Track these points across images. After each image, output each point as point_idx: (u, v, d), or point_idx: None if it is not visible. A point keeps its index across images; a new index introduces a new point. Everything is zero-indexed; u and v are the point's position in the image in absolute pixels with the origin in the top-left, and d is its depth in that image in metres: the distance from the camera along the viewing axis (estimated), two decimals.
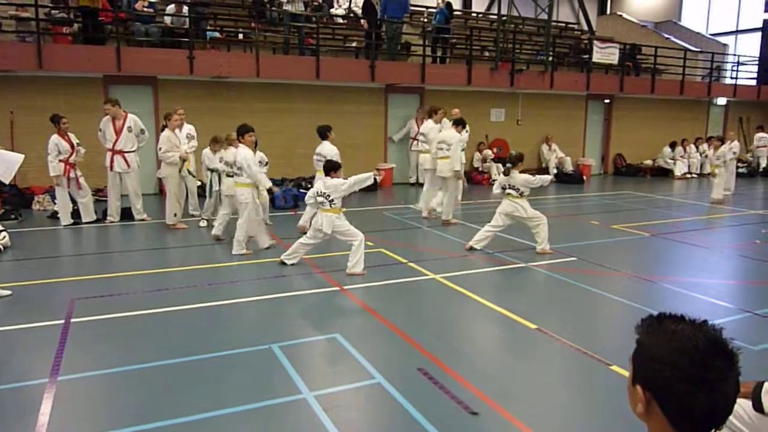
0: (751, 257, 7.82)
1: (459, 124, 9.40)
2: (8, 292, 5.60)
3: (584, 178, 15.92)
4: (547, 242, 7.52)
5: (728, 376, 1.19)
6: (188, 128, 9.50)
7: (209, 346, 4.57)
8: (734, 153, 13.05)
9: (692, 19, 22.97)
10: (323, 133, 8.76)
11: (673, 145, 17.56)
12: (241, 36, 13.28)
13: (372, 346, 4.58)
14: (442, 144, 9.24)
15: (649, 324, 1.30)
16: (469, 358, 4.49)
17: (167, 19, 12.02)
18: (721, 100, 19.87)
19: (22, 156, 5.82)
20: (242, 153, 7.27)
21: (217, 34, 12.84)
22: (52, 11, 11.18)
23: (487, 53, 15.85)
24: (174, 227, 8.81)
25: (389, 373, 4.05)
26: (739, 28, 22.09)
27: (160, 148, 8.93)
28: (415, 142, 13.53)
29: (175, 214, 8.86)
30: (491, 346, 4.89)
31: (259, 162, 8.19)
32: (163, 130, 9.11)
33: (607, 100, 17.84)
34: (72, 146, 8.75)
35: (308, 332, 5.00)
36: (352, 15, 15.17)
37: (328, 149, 8.46)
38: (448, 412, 3.56)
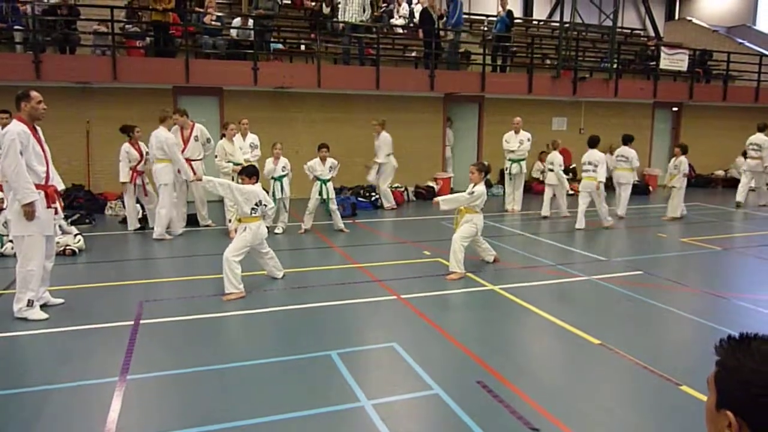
0: None
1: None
2: (61, 300, 5.71)
3: (650, 188, 15.35)
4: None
5: None
6: (252, 138, 9.75)
7: (270, 351, 4.66)
8: None
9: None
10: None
11: (746, 155, 16.65)
12: (303, 47, 13.56)
13: (430, 356, 4.54)
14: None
15: (736, 345, 1.23)
16: (530, 372, 4.38)
17: (233, 32, 12.42)
18: None
19: None
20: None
21: (280, 46, 13.18)
22: (126, 26, 11.77)
23: (548, 61, 15.58)
24: (229, 234, 9.02)
25: (447, 385, 4.00)
26: None
27: (216, 156, 9.23)
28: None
29: (230, 221, 9.07)
30: (552, 360, 4.75)
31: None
32: (222, 138, 9.42)
33: (675, 108, 17.17)
34: (141, 155, 9.14)
35: (366, 340, 5.01)
36: (411, 25, 15.24)
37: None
38: (508, 428, 3.48)
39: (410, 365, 4.36)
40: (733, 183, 16.43)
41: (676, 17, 23.50)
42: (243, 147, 9.48)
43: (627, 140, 11.16)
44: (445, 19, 14.63)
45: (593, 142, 10.33)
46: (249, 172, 6.32)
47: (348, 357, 4.50)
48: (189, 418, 3.56)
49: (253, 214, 6.14)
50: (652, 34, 22.20)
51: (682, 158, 10.95)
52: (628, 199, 11.02)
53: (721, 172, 17.06)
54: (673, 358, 4.75)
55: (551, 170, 11.09)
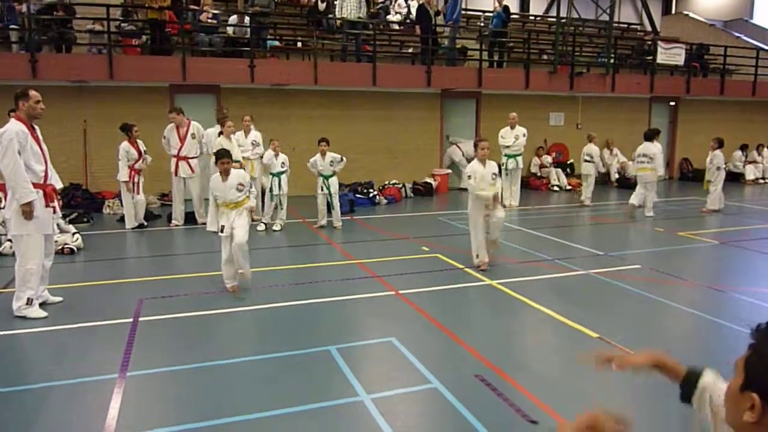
0: None
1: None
2: (60, 299, 5.70)
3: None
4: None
5: None
6: (254, 135, 9.67)
7: (270, 347, 4.68)
8: None
9: (765, 16, 21.81)
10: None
11: (743, 148, 16.71)
12: (299, 44, 13.54)
13: (428, 351, 4.56)
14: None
15: None
16: (528, 365, 4.40)
17: (229, 30, 12.40)
18: None
19: None
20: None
21: (276, 43, 13.15)
22: (122, 24, 11.74)
23: (545, 56, 15.56)
24: None
25: (446, 379, 4.02)
26: None
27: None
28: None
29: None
30: (550, 354, 4.77)
31: (282, 163, 9.10)
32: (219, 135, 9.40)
33: (672, 103, 17.19)
34: (140, 153, 9.14)
35: (365, 336, 5.02)
36: (408, 21, 15.22)
37: None
38: (507, 420, 3.50)
39: (409, 360, 4.37)
40: (731, 177, 16.46)
41: (673, 11, 23.50)
42: (244, 144, 9.45)
43: (649, 136, 10.85)
44: (441, 15, 14.62)
45: (648, 136, 10.79)
46: (219, 155, 6.08)
47: (347, 352, 4.52)
48: (189, 414, 3.58)
49: (241, 198, 6.05)
50: (648, 28, 22.18)
51: (717, 152, 11.18)
52: (653, 199, 10.89)
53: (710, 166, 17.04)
54: (672, 351, 4.74)
55: (587, 161, 11.89)
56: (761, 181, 16.51)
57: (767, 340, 1.23)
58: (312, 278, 6.65)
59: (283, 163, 9.16)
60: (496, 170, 6.94)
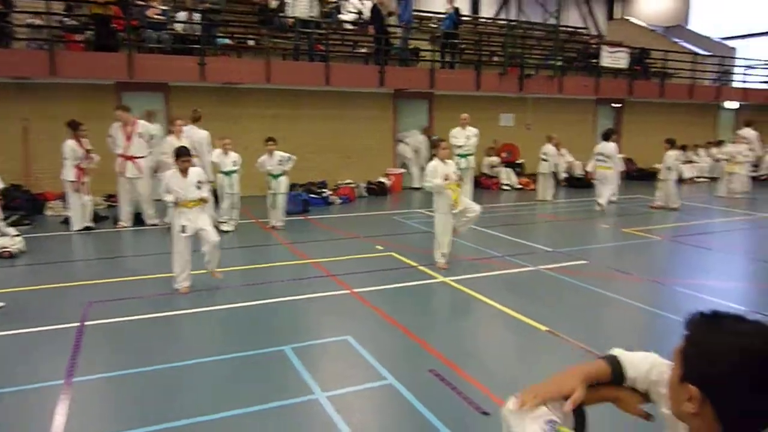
0: (762, 260, 7.78)
1: None
2: (2, 304, 5.48)
3: (593, 182, 15.84)
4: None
5: None
6: (234, 157, 9.39)
7: (223, 348, 4.63)
8: (745, 156, 13.12)
9: (701, 23, 22.88)
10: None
11: (683, 149, 17.43)
12: (251, 43, 13.38)
13: (383, 348, 4.60)
14: None
15: (705, 322, 1.25)
16: (480, 359, 4.50)
17: (178, 26, 12.14)
18: (731, 104, 19.75)
19: None
20: None
21: (227, 41, 12.96)
22: (65, 19, 11.33)
23: (496, 58, 15.87)
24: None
25: (400, 375, 4.07)
26: (748, 32, 21.96)
27: (164, 153, 9.01)
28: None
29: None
30: (502, 347, 4.89)
31: (233, 162, 8.99)
32: (169, 135, 9.21)
33: (616, 105, 17.80)
34: (86, 152, 8.84)
35: (320, 335, 5.02)
36: (361, 21, 15.25)
37: None
38: (460, 413, 3.58)
39: (364, 357, 4.40)
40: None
41: (617, 17, 24.34)
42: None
43: (606, 136, 11.51)
44: (395, 15, 14.70)
45: (605, 136, 11.51)
46: (179, 153, 6.05)
47: (302, 351, 4.51)
48: (140, 419, 3.50)
49: (200, 195, 5.98)
50: (594, 32, 22.93)
51: (668, 152, 11.73)
52: (609, 193, 11.44)
53: (659, 166, 17.76)
54: (615, 341, 4.91)
55: (545, 160, 12.42)
56: (698, 179, 17.27)
57: (701, 330, 1.24)
58: (266, 278, 6.59)
59: (234, 162, 9.03)
60: (455, 169, 7.08)
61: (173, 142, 9.02)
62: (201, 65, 11.40)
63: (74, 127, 8.80)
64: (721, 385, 1.16)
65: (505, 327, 5.24)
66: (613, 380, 1.51)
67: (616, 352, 1.55)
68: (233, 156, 9.00)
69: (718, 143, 17.17)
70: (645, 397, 1.52)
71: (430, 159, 7.23)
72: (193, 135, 9.22)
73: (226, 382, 4.03)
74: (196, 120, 9.54)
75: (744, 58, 20.43)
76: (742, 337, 1.17)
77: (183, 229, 5.82)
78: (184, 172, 5.92)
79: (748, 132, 14.69)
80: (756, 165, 14.58)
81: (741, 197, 13.13)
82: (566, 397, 1.42)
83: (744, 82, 19.77)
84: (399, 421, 3.59)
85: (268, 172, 9.17)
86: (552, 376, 1.44)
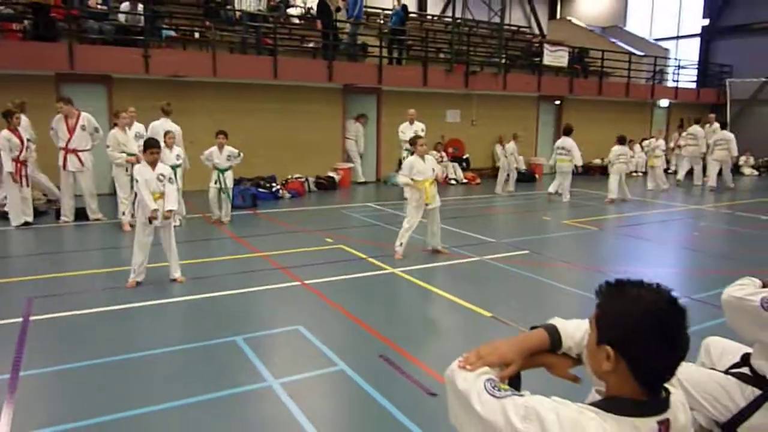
0: (691, 248, 8.32)
1: None
2: None
3: (536, 176, 16.44)
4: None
5: (685, 330, 1.37)
6: (138, 127, 9.25)
7: (172, 340, 4.65)
8: (662, 151, 14.29)
9: (637, 24, 23.92)
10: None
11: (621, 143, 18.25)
12: (197, 35, 13.18)
13: (333, 336, 4.73)
14: None
15: (611, 289, 1.45)
16: (428, 344, 4.70)
17: (121, 17, 11.84)
18: (664, 102, 20.78)
19: None
20: None
21: (172, 33, 12.72)
22: (0, 7, 10.88)
23: (442, 55, 16.18)
24: (122, 227, 8.71)
25: (351, 361, 4.21)
26: (680, 34, 23.12)
27: (108, 146, 8.84)
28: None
29: (123, 213, 8.76)
30: (448, 333, 5.10)
31: (177, 156, 8.77)
32: (113, 128, 9.01)
33: (557, 102, 18.44)
34: (22, 142, 8.56)
35: (271, 325, 5.10)
36: (309, 15, 15.25)
37: None
38: (409, 395, 3.75)
39: (315, 345, 4.52)
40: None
41: (558, 16, 25.14)
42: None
43: (567, 131, 12.35)
44: (342, 11, 14.78)
45: (566, 131, 12.37)
46: (149, 144, 6.10)
47: (253, 341, 4.58)
48: (89, 411, 3.50)
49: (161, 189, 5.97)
50: (536, 31, 23.62)
51: (613, 147, 12.59)
52: (569, 186, 12.50)
53: (598, 161, 18.55)
54: None
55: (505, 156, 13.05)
56: (634, 174, 18.11)
57: (609, 297, 1.45)
58: (215, 272, 6.60)
59: (178, 155, 8.93)
60: (436, 165, 7.31)
61: (117, 135, 8.86)
62: (145, 57, 11.19)
63: (8, 117, 8.49)
64: (630, 343, 1.37)
65: (451, 314, 5.46)
66: (550, 348, 1.71)
67: (556, 321, 1.75)
68: (177, 150, 8.88)
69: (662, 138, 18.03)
70: (578, 361, 1.72)
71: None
72: (167, 128, 9.14)
73: (177, 373, 4.07)
74: (168, 113, 9.44)
75: (676, 59, 21.53)
76: (644, 299, 1.38)
77: (155, 217, 5.80)
78: (152, 164, 5.93)
79: (696, 129, 15.46)
80: (703, 160, 15.51)
81: (666, 189, 13.97)
82: (506, 365, 1.60)
83: (675, 81, 20.84)
84: (351, 404, 3.73)
85: (215, 166, 9.11)
86: (498, 343, 1.62)
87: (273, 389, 3.79)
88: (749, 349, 2.58)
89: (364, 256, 7.30)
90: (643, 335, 1.35)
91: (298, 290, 5.96)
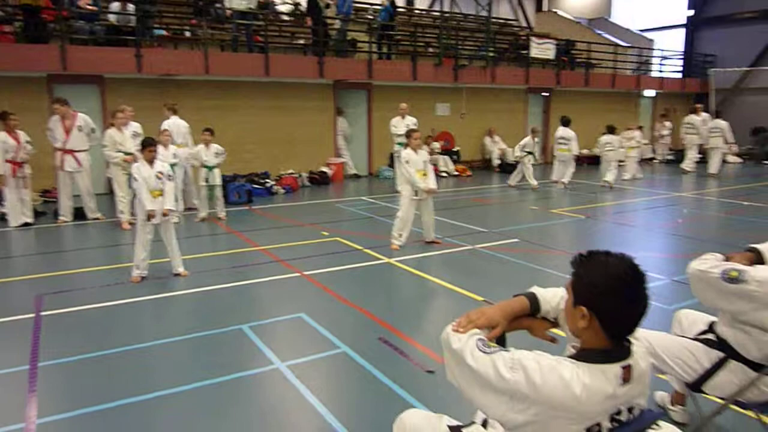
0: (674, 234, 8.63)
1: None
2: None
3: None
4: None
5: (645, 293, 1.65)
6: (134, 126, 9.41)
7: (181, 330, 4.87)
8: (638, 141, 14.81)
9: (622, 15, 24.24)
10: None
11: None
12: (188, 34, 13.31)
13: (335, 322, 4.96)
14: None
15: (584, 259, 1.74)
16: (424, 327, 4.96)
17: (112, 17, 11.96)
18: (650, 92, 21.13)
19: None
20: None
21: (163, 32, 12.85)
22: None
23: (431, 49, 16.39)
24: (121, 225, 8.89)
25: (353, 343, 4.45)
26: (665, 25, 23.45)
27: (105, 146, 9.00)
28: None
29: (122, 212, 8.94)
30: (443, 316, 5.35)
31: (174, 155, 8.95)
32: (109, 127, 9.17)
33: (545, 94, 18.72)
34: (19, 143, 8.68)
35: (275, 313, 5.33)
36: (298, 12, 15.40)
37: None
38: (408, 372, 4.00)
39: (318, 330, 4.76)
40: (596, 160, 18.30)
41: (544, 9, 25.41)
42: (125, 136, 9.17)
43: (566, 122, 13.05)
44: (332, 7, 14.93)
45: (565, 122, 12.99)
46: (146, 143, 6.24)
47: (259, 329, 4.82)
48: (107, 396, 3.71)
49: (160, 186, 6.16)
50: (523, 24, 23.88)
51: (601, 137, 13.49)
52: (571, 173, 13.21)
53: (586, 151, 18.86)
54: None
55: (529, 152, 13.16)
56: (621, 163, 18.43)
57: (581, 265, 1.75)
58: (217, 266, 6.81)
59: (174, 154, 9.11)
60: (427, 158, 7.56)
61: (113, 134, 9.02)
62: (137, 57, 11.32)
63: (2, 118, 8.63)
64: (601, 302, 1.65)
65: (445, 299, 5.72)
66: (530, 313, 2.00)
67: (535, 289, 2.05)
68: (172, 149, 9.07)
69: (639, 128, 18.36)
70: (554, 324, 2.00)
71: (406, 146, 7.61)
72: (180, 125, 9.87)
73: (187, 360, 4.30)
74: (175, 111, 9.87)
75: (660, 50, 21.87)
76: (611, 266, 1.66)
77: (148, 218, 6.00)
78: (150, 162, 6.12)
79: (693, 118, 15.97)
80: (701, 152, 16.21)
81: (640, 178, 14.37)
82: (493, 327, 1.88)
83: (660, 72, 21.19)
84: (355, 383, 3.97)
85: (204, 164, 9.28)
86: (485, 308, 1.89)
87: (281, 371, 4.03)
88: (715, 318, 2.86)
89: (360, 247, 7.53)
90: (610, 295, 1.62)
91: (298, 281, 6.19)
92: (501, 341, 1.89)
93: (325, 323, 4.89)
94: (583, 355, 1.66)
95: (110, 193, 11.43)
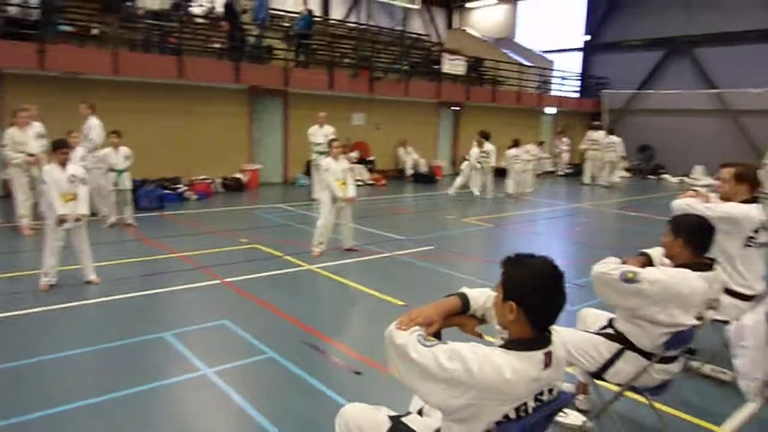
0: (575, 241, 9.35)
1: None
2: None
3: (436, 177, 17.34)
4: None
5: (564, 289, 1.93)
6: (37, 127, 8.89)
7: (98, 339, 4.72)
8: (533, 155, 15.88)
9: (525, 36, 25.68)
10: None
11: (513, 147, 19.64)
12: (95, 31, 12.73)
13: (259, 328, 5.01)
14: None
15: (512, 260, 2.01)
16: (348, 330, 5.13)
17: (12, 9, 11.23)
18: (551, 110, 22.54)
19: None
20: None
21: (69, 28, 12.22)
22: None
23: (347, 60, 16.64)
24: (21, 231, 8.39)
25: (279, 348, 4.54)
26: (564, 47, 25.09)
27: (5, 146, 8.47)
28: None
29: (22, 216, 8.44)
30: (365, 320, 5.55)
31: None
32: (10, 127, 8.63)
33: (456, 108, 19.50)
34: None
35: (198, 321, 5.28)
36: (212, 15, 15.13)
37: None
38: (336, 374, 4.15)
39: (243, 337, 4.79)
40: (503, 173, 19.28)
41: (455, 26, 26.45)
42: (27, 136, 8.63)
43: (486, 137, 13.90)
44: (248, 12, 14.82)
45: (487, 136, 13.84)
46: (57, 144, 5.96)
47: (182, 336, 4.78)
48: (11, 410, 3.56)
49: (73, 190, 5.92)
50: (435, 40, 24.72)
51: (508, 151, 14.32)
52: (492, 183, 13.97)
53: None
54: None
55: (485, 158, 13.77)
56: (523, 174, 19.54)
57: (510, 267, 2.01)
58: (133, 273, 6.61)
59: (126, 156, 8.82)
60: (347, 167, 7.76)
61: (14, 134, 8.49)
62: (39, 52, 10.71)
63: None
64: (527, 297, 1.90)
65: (367, 304, 5.91)
66: (461, 311, 2.24)
67: (465, 290, 2.28)
68: (123, 150, 8.81)
69: (540, 143, 19.57)
70: (482, 320, 2.25)
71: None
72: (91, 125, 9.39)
73: (107, 369, 4.20)
74: (94, 110, 9.54)
75: (560, 70, 23.41)
76: (534, 266, 1.93)
77: (60, 222, 5.73)
78: (62, 164, 5.86)
79: (598, 134, 17.86)
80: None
81: (531, 191, 15.37)
82: (430, 324, 2.10)
83: (560, 91, 22.69)
84: (284, 386, 4.05)
85: (111, 168, 8.97)
86: (424, 308, 2.11)
87: (209, 377, 4.04)
88: (614, 315, 3.26)
89: (279, 254, 7.58)
90: (535, 291, 1.88)
91: (219, 288, 6.15)
92: (437, 337, 2.11)
93: (250, 329, 4.93)
94: (511, 345, 1.91)
95: (7, 196, 10.71)
